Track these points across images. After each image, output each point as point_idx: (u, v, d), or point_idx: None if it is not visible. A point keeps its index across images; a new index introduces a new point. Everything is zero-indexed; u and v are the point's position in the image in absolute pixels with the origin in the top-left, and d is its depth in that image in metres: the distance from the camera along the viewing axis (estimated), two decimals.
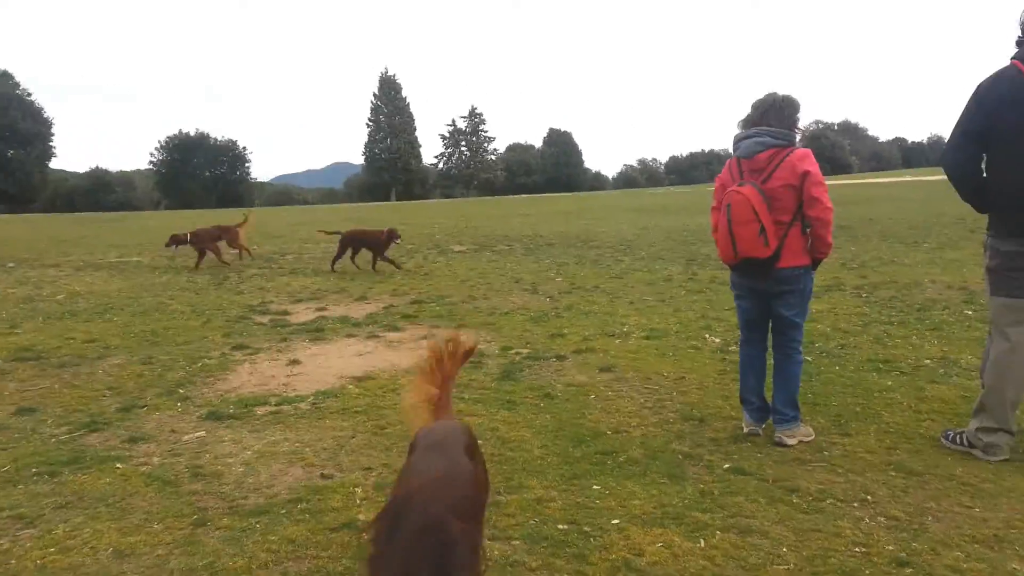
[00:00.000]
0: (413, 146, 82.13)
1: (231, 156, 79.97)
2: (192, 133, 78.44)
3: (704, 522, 3.19)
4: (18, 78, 65.57)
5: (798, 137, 4.14)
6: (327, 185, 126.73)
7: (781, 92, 4.19)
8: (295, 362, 6.28)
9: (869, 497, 3.41)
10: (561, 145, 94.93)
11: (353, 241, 12.72)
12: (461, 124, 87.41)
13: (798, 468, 3.77)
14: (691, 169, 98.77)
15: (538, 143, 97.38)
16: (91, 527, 3.28)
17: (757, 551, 2.94)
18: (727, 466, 3.81)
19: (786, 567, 2.82)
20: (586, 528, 3.15)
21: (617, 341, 6.75)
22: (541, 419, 4.61)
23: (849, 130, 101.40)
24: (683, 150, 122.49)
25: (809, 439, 4.13)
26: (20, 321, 8.50)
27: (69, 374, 6.01)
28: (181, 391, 5.45)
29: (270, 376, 5.87)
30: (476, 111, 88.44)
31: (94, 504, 3.51)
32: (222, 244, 14.35)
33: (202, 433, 4.52)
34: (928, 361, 5.73)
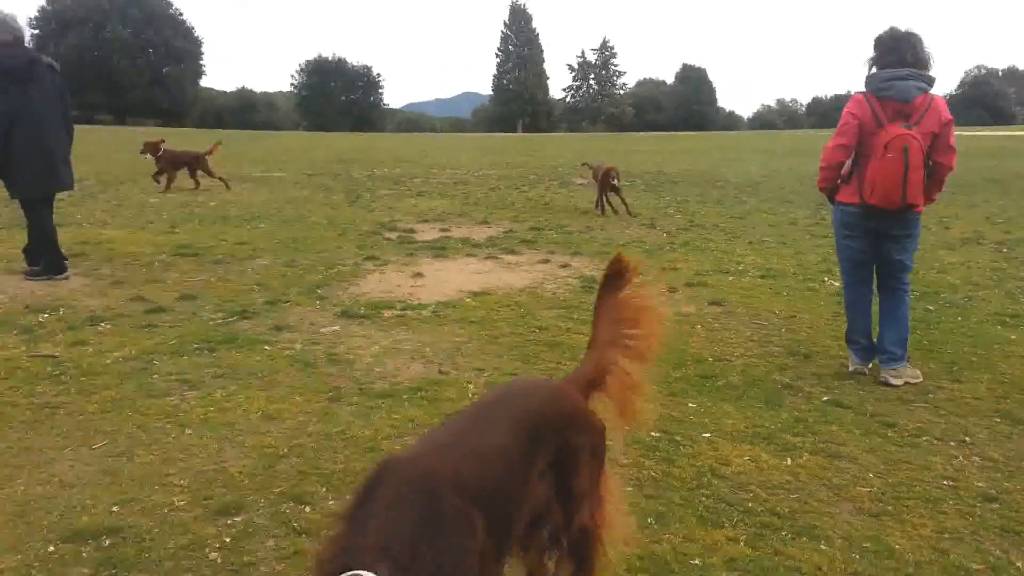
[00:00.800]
0: (541, 78, 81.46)
1: (365, 82, 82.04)
2: (330, 58, 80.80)
3: (794, 444, 3.33)
4: None
5: None
6: (455, 115, 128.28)
7: (901, 28, 4.08)
8: (419, 275, 6.72)
9: (967, 439, 3.43)
10: (694, 82, 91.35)
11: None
12: (591, 57, 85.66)
13: (899, 406, 3.82)
14: (835, 112, 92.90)
15: (669, 79, 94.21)
16: (243, 394, 3.80)
17: (843, 474, 3.07)
18: (826, 398, 3.90)
19: (869, 490, 2.94)
20: (677, 438, 3.37)
21: (731, 278, 6.78)
22: None
23: (1016, 77, 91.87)
24: (827, 91, 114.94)
25: (916, 381, 4.13)
26: (179, 223, 9.42)
27: (223, 270, 6.71)
28: (319, 291, 6.00)
29: (396, 285, 6.33)
30: (607, 43, 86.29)
31: (246, 376, 4.04)
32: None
33: (337, 327, 5.01)
34: None
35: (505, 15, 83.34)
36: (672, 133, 62.40)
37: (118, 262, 6.93)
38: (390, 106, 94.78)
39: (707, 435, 3.42)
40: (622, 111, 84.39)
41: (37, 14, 63.53)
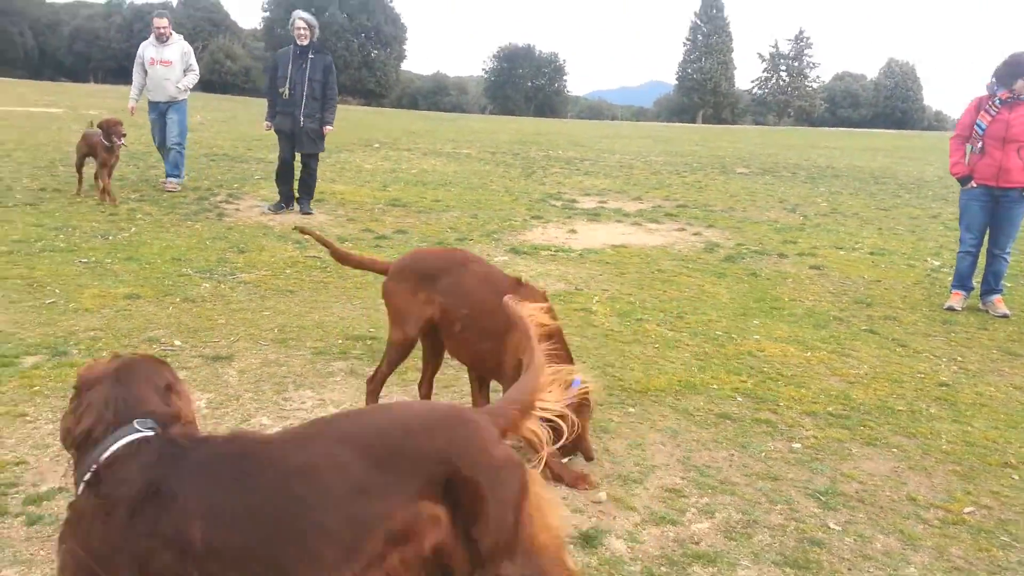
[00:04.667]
0: (727, 67, 79.95)
1: (551, 68, 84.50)
2: (520, 45, 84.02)
3: (819, 347, 4.65)
4: None
5: None
6: (640, 103, 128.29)
7: None
8: (573, 231, 8.35)
9: (959, 359, 4.57)
10: (899, 77, 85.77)
11: None
12: (784, 47, 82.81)
13: (919, 337, 4.97)
14: None
15: (871, 73, 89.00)
16: None
17: (845, 365, 4.37)
18: (864, 328, 5.12)
19: (858, 372, 4.23)
20: (733, 335, 4.79)
21: (841, 252, 7.85)
22: (740, 286, 6.16)
23: None
24: None
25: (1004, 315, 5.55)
26: (388, 184, 11.65)
27: (424, 217, 8.71)
28: (495, 236, 7.80)
29: (554, 237, 8.00)
30: (803, 34, 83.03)
31: None
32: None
33: (505, 258, 6.77)
34: None
35: (696, 4, 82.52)
36: (865, 130, 59.56)
37: (349, 207, 9.13)
38: (574, 93, 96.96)
39: (756, 337, 4.80)
40: (812, 105, 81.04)
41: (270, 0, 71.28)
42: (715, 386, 3.94)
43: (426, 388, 3.36)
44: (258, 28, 74.43)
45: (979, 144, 5.61)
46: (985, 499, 2.95)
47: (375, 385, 3.25)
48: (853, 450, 3.30)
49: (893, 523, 2.74)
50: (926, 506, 2.87)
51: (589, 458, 2.99)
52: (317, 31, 8.36)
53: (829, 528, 2.68)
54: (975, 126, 5.64)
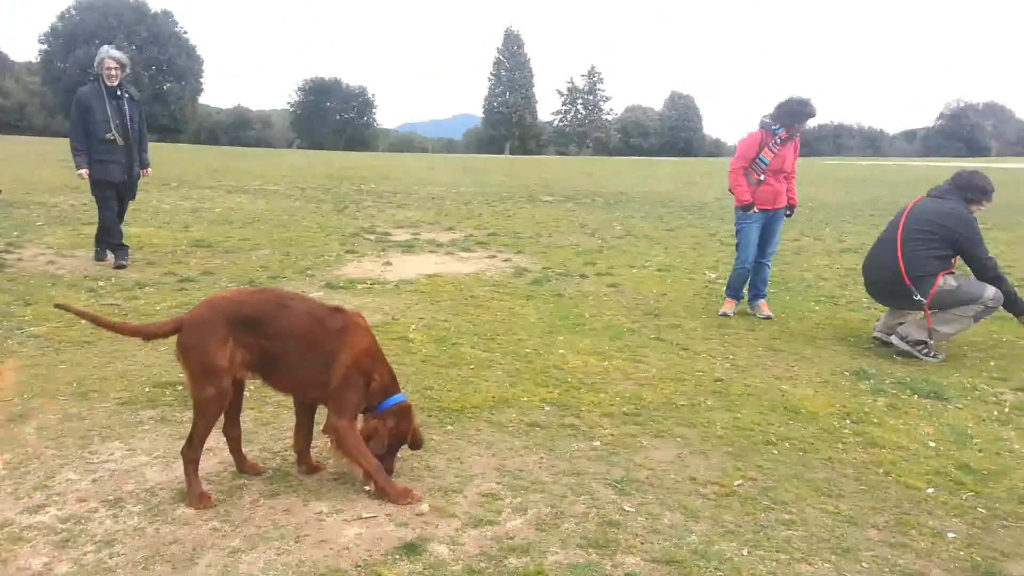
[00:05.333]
0: (529, 101, 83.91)
1: (360, 101, 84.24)
2: (327, 78, 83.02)
3: (614, 355, 5.14)
4: (176, 17, 71.28)
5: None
6: (449, 136, 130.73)
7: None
8: (388, 263, 8.52)
9: (732, 358, 5.24)
10: (681, 108, 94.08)
11: None
12: (579, 82, 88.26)
13: (699, 341, 5.63)
14: (817, 141, 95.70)
15: (657, 106, 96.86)
16: None
17: (637, 369, 4.87)
18: (653, 336, 5.71)
19: (648, 375, 4.74)
20: (541, 352, 5.17)
21: (634, 270, 8.61)
22: (546, 307, 6.62)
23: (994, 111, 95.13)
24: (811, 122, 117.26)
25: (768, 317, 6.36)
26: (191, 224, 11.20)
27: (232, 257, 8.50)
28: (309, 272, 7.79)
29: (369, 270, 8.12)
30: (595, 70, 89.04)
31: None
32: None
33: (321, 293, 6.80)
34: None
35: (499, 40, 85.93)
36: (655, 158, 64.67)
37: (147, 250, 8.70)
38: (384, 126, 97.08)
39: (561, 351, 5.21)
40: (608, 135, 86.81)
41: (48, 31, 65.41)
42: (525, 399, 4.26)
43: (236, 429, 3.23)
44: (34, 61, 67.96)
45: (760, 176, 6.42)
46: (751, 472, 3.45)
47: (195, 451, 2.98)
48: (644, 442, 3.73)
49: (678, 500, 3.15)
50: (704, 483, 3.32)
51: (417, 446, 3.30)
52: (128, 69, 7.85)
53: (625, 511, 3.04)
54: (758, 160, 6.41)
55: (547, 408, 4.15)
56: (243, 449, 3.29)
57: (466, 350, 5.18)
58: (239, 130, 78.24)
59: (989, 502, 3.24)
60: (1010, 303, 5.44)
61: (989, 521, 3.08)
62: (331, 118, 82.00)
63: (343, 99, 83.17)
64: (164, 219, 11.62)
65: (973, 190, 5.59)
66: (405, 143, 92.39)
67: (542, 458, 3.51)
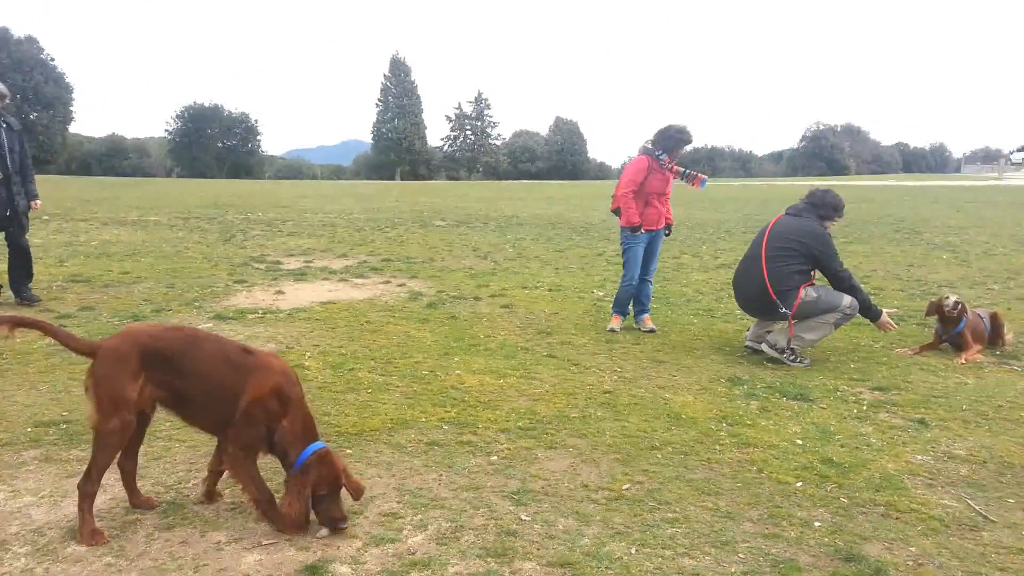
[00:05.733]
0: (419, 128, 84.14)
1: (243, 128, 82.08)
2: (207, 104, 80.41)
3: (508, 373, 5.31)
4: (42, 43, 67.43)
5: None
6: (338, 162, 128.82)
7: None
8: (280, 292, 8.40)
9: (620, 370, 5.52)
10: (566, 134, 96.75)
11: None
12: (467, 108, 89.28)
13: (588, 356, 5.89)
14: (692, 164, 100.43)
15: (544, 131, 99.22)
16: None
17: (531, 386, 5.05)
18: (545, 354, 5.93)
19: (542, 390, 4.93)
20: (438, 373, 5.28)
21: (526, 291, 8.85)
22: (442, 329, 6.73)
23: (851, 132, 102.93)
24: (687, 146, 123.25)
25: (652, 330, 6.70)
26: (66, 258, 10.65)
27: (113, 291, 8.16)
28: (196, 304, 7.59)
29: (260, 299, 7.99)
30: (482, 96, 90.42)
31: None
32: None
33: (210, 325, 6.65)
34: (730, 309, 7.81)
35: (386, 67, 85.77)
36: (543, 182, 66.10)
37: None
38: (269, 153, 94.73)
39: (458, 372, 5.33)
40: (497, 160, 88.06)
41: None
42: (424, 419, 4.35)
43: (132, 462, 3.18)
44: None
45: (647, 199, 6.79)
46: (638, 477, 3.68)
47: (92, 485, 2.93)
48: (539, 454, 3.90)
49: (571, 507, 3.32)
50: (595, 489, 3.52)
51: (357, 496, 3.16)
52: (7, 99, 7.40)
53: (521, 520, 3.18)
54: (645, 184, 6.72)
55: (445, 427, 4.26)
56: (136, 483, 3.23)
57: (363, 375, 5.22)
58: (114, 159, 74.59)
59: (850, 492, 3.58)
60: (865, 310, 5.98)
61: (850, 509, 3.41)
62: (212, 145, 79.43)
63: (225, 125, 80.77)
64: (36, 254, 10.92)
65: (826, 208, 6.12)
66: (293, 170, 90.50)
67: (441, 475, 3.61)
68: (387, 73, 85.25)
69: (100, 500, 3.22)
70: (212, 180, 56.14)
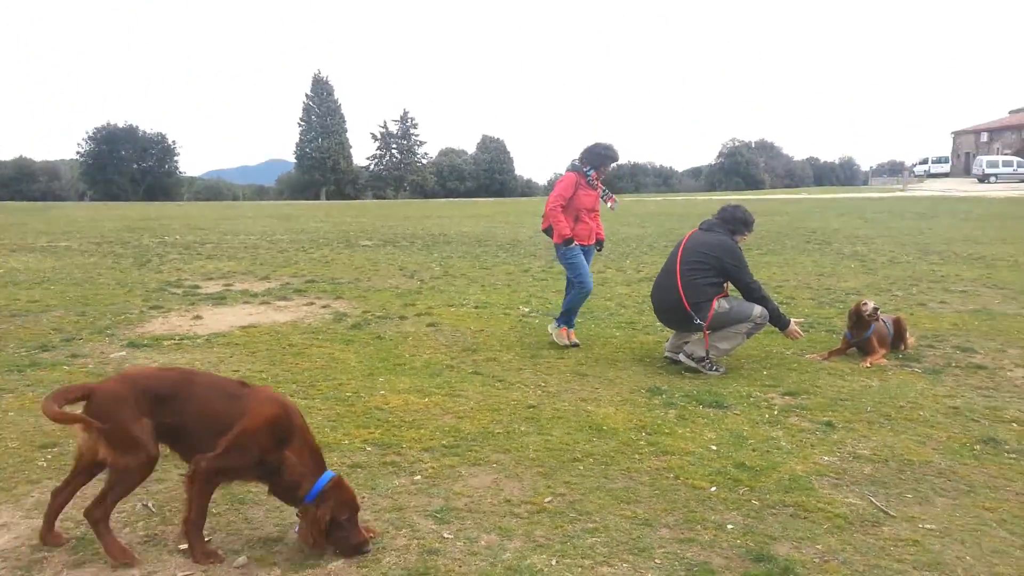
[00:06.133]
0: (343, 147, 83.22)
1: (159, 149, 79.53)
2: (120, 124, 77.70)
3: (433, 391, 5.32)
4: None
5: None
6: (261, 182, 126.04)
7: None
8: (198, 317, 8.19)
9: (544, 384, 5.60)
10: (494, 151, 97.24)
11: None
12: (392, 127, 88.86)
13: (513, 372, 5.95)
14: (616, 180, 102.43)
15: (471, 149, 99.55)
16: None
17: (455, 403, 5.08)
18: (471, 371, 5.96)
19: (467, 407, 4.96)
20: (362, 394, 5.25)
21: (452, 309, 8.88)
22: (366, 350, 6.69)
23: (765, 148, 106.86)
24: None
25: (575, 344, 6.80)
26: None
27: (20, 321, 7.81)
28: (109, 332, 7.33)
29: (177, 325, 7.77)
30: (408, 115, 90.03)
31: (49, 384, 5.41)
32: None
33: (124, 353, 6.44)
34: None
35: (308, 86, 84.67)
36: (471, 200, 66.25)
37: None
38: (188, 174, 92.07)
39: (383, 392, 5.32)
40: (424, 179, 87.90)
41: None
42: (347, 442, 4.32)
43: (66, 498, 3.11)
44: None
45: (578, 215, 6.93)
46: (560, 489, 3.74)
47: (105, 512, 2.97)
48: (463, 472, 3.93)
49: (494, 522, 3.36)
50: (518, 503, 3.56)
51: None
52: None
53: (444, 538, 3.20)
54: (575, 199, 6.90)
55: (369, 448, 4.24)
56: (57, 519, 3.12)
57: None
58: (22, 183, 71.18)
59: (761, 494, 3.73)
60: (775, 319, 6.23)
61: (761, 511, 3.55)
62: (127, 167, 76.66)
63: (140, 147, 78.10)
64: None
65: (736, 223, 6.37)
66: (212, 191, 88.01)
67: (364, 497, 3.59)
68: (309, 92, 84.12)
69: (3, 539, 3.10)
70: (127, 203, 54.20)
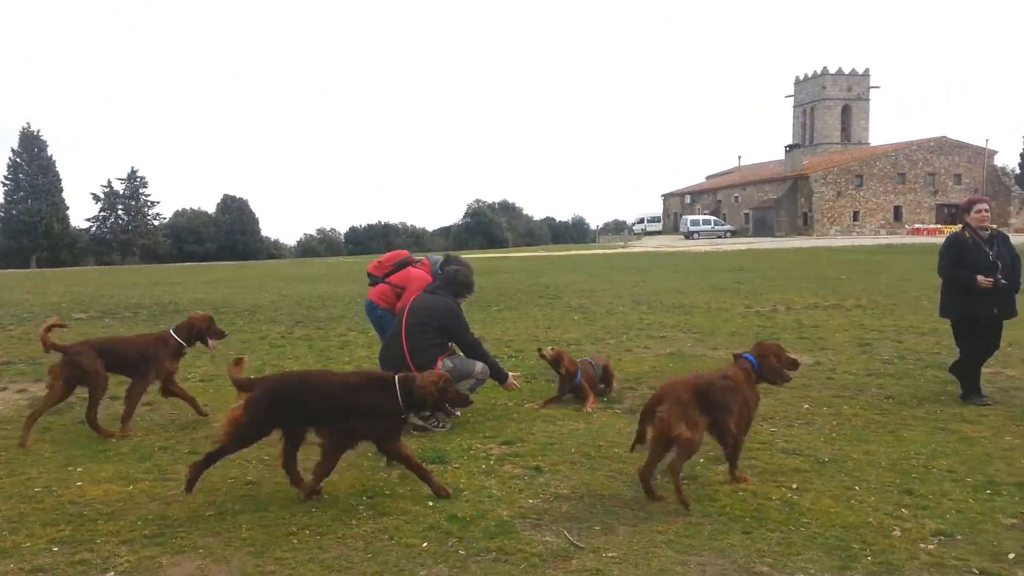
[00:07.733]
0: (58, 208, 74.91)
1: None
2: None
3: (140, 477, 4.97)
4: None
5: None
6: None
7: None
8: None
9: (266, 458, 5.45)
10: (236, 212, 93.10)
11: None
12: (119, 186, 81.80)
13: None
14: (369, 239, 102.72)
15: (211, 209, 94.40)
16: None
17: (165, 486, 4.79)
18: (187, 451, 5.65)
19: (178, 492, 4.69)
20: (53, 488, 4.76)
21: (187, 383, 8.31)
22: (67, 437, 6.07)
23: (507, 209, 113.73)
24: (361, 221, 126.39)
25: None
26: None
27: None
28: None
29: None
30: (136, 173, 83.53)
31: None
32: None
33: None
34: None
35: (15, 141, 75.33)
36: (210, 264, 62.54)
37: None
38: None
39: (80, 483, 4.86)
40: (156, 242, 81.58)
41: None
42: (29, 544, 3.90)
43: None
44: None
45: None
46: (271, 566, 3.68)
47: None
48: (164, 562, 3.71)
49: None
50: None
51: None
52: None
53: None
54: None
55: (56, 548, 3.86)
56: None
57: None
58: None
59: (468, 543, 3.95)
60: (495, 373, 6.66)
61: (466, 560, 3.76)
62: None
63: None
64: None
65: (457, 286, 6.78)
66: None
67: None
68: (16, 148, 74.94)
69: None
70: None
